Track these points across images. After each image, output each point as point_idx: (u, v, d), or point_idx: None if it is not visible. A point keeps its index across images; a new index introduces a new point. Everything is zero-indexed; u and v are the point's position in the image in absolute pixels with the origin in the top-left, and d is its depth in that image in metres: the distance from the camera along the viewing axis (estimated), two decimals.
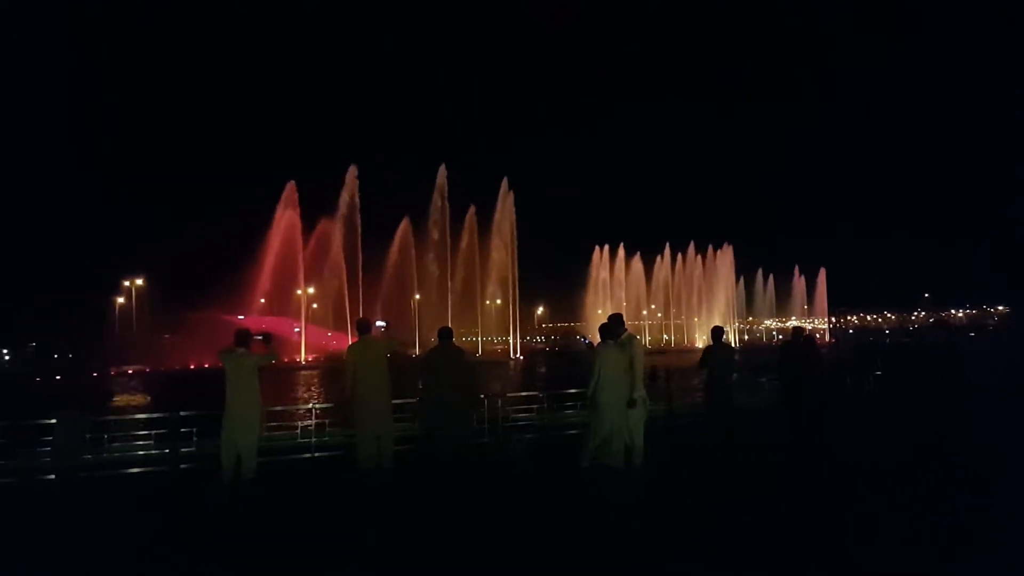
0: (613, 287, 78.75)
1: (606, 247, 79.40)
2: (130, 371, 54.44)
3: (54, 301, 76.90)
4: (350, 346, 8.44)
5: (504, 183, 64.63)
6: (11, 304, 72.10)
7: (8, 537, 6.36)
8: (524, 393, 13.83)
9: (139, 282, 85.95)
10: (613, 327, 8.33)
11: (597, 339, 8.49)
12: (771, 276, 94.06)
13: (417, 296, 64.62)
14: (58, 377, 49.32)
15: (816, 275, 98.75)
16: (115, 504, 7.65)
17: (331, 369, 43.25)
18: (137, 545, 5.91)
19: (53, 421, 9.39)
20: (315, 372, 45.82)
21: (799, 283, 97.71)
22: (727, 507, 6.75)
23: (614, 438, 7.94)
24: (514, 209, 64.64)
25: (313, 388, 33.08)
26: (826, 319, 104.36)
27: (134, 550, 5.79)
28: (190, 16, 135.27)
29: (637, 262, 79.28)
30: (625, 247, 79.50)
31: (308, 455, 9.95)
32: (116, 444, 11.37)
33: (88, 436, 10.17)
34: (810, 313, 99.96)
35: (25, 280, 78.33)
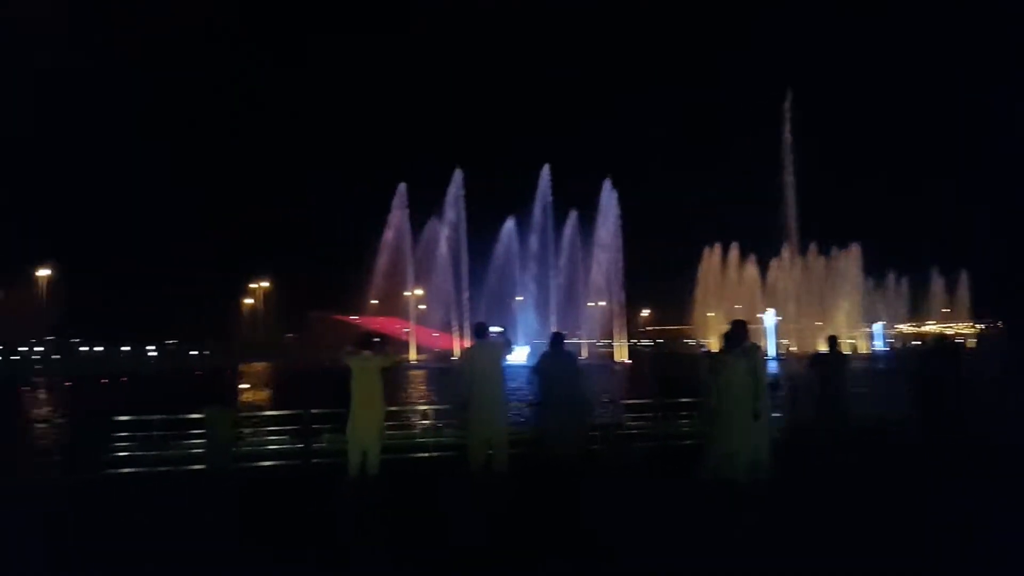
0: (725, 289, 76.20)
1: (716, 247, 77.02)
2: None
3: (190, 302, 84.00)
4: (466, 349, 8.84)
5: (607, 183, 64.23)
6: (154, 306, 79.47)
7: (166, 522, 7.24)
8: (636, 400, 13.78)
9: (265, 284, 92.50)
10: (736, 335, 8.13)
11: (711, 346, 8.46)
12: (904, 278, 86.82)
13: (519, 298, 65.49)
14: (198, 373, 53.89)
15: (957, 276, 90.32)
16: (255, 495, 8.51)
17: (438, 369, 44.62)
18: (273, 534, 6.59)
19: (202, 416, 10.57)
20: (423, 372, 47.40)
21: (937, 285, 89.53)
22: (852, 528, 6.63)
23: (740, 452, 7.68)
24: (618, 209, 64.10)
25: (423, 388, 34.31)
26: (969, 323, 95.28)
27: (270, 539, 6.45)
28: (307, 19, 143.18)
29: (752, 264, 76.18)
30: (740, 247, 76.70)
31: (426, 454, 10.54)
32: (253, 438, 12.50)
33: (235, 430, 11.22)
34: (951, 317, 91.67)
35: (164, 283, 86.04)
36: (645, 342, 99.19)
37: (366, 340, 8.36)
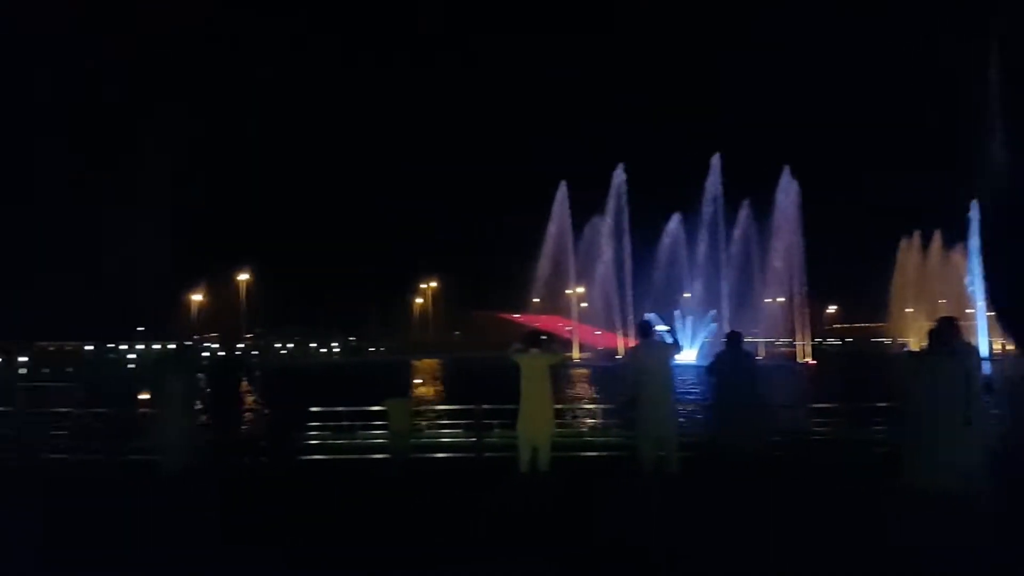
0: (925, 282, 68.89)
1: (916, 235, 69.83)
2: None
3: (367, 302, 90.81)
4: (631, 348, 8.79)
5: (786, 169, 60.42)
6: (335, 305, 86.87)
7: (350, 507, 7.86)
8: (822, 405, 12.89)
9: (434, 284, 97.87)
10: (946, 333, 7.42)
11: (912, 345, 7.73)
12: None
13: (687, 295, 63.56)
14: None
15: None
16: (433, 485, 9.01)
17: (601, 368, 44.55)
18: (446, 523, 6.92)
19: (384, 408, 11.40)
20: (586, 371, 47.53)
21: None
22: None
23: (955, 460, 7.05)
24: (799, 199, 60.08)
25: (588, 386, 34.44)
26: None
27: (442, 528, 6.77)
28: (465, 18, 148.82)
29: (958, 253, 68.02)
30: (942, 236, 68.99)
31: (595, 453, 10.60)
32: (428, 431, 13.28)
33: (413, 421, 11.99)
34: None
35: (342, 283, 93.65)
36: (832, 341, 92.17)
37: (534, 338, 8.54)
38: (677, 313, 57.01)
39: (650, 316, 9.31)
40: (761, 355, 56.31)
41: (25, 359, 50.80)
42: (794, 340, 64.74)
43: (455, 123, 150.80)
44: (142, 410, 14.16)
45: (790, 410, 11.02)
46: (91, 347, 61.33)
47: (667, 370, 8.46)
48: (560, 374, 40.94)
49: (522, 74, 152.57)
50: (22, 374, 37.80)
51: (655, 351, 8.57)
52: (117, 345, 58.17)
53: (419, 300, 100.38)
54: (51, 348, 59.79)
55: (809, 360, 60.23)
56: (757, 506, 7.10)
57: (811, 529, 6.46)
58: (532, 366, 8.10)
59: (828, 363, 54.58)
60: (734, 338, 8.51)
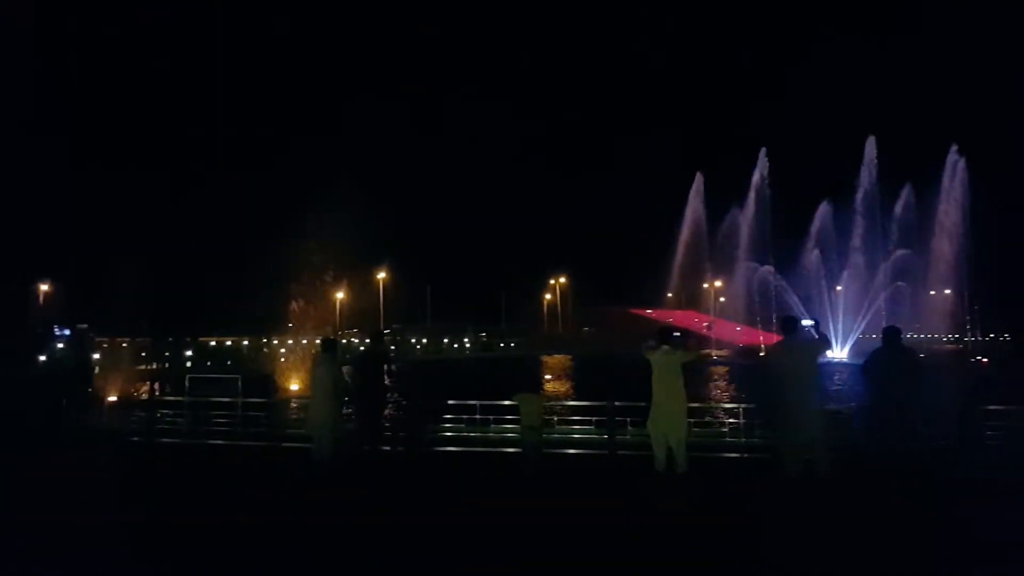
0: None
1: None
2: None
3: (496, 298, 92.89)
4: (774, 346, 8.47)
5: (953, 149, 55.07)
6: (468, 301, 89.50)
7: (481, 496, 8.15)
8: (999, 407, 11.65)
9: (563, 280, 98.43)
10: None
11: None
12: None
13: (839, 287, 59.59)
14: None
15: None
16: (566, 480, 9.14)
17: (742, 366, 42.86)
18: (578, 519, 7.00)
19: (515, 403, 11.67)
20: (725, 368, 45.93)
21: None
22: None
23: None
24: (966, 180, 54.58)
25: (727, 385, 33.36)
26: None
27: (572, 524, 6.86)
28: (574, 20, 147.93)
29: None
30: None
31: (736, 455, 10.30)
32: (560, 426, 13.43)
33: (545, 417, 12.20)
34: None
35: (475, 280, 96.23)
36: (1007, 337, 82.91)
37: (666, 334, 8.42)
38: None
39: (801, 319, 8.91)
40: (925, 352, 51.71)
41: (189, 353, 56.44)
42: (963, 336, 59.01)
43: (590, 116, 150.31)
44: (294, 400, 15.40)
45: (956, 412, 10.09)
46: (246, 341, 67.22)
47: (812, 369, 8.10)
48: (698, 372, 40.05)
49: (645, 66, 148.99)
50: (188, 367, 42.16)
51: (799, 348, 8.22)
52: (271, 339, 63.32)
53: (548, 296, 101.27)
54: (212, 343, 66.35)
55: (981, 358, 54.66)
56: (898, 520, 6.62)
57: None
58: (663, 364, 8.03)
59: (1004, 361, 49.23)
60: (892, 334, 7.98)
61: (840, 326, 54.52)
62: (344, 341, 56.61)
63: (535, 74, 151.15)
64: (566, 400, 22.50)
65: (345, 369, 10.23)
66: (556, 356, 67.89)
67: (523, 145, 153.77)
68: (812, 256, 58.64)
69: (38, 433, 11.99)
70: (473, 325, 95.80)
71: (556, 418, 13.60)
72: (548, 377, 39.06)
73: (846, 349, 50.10)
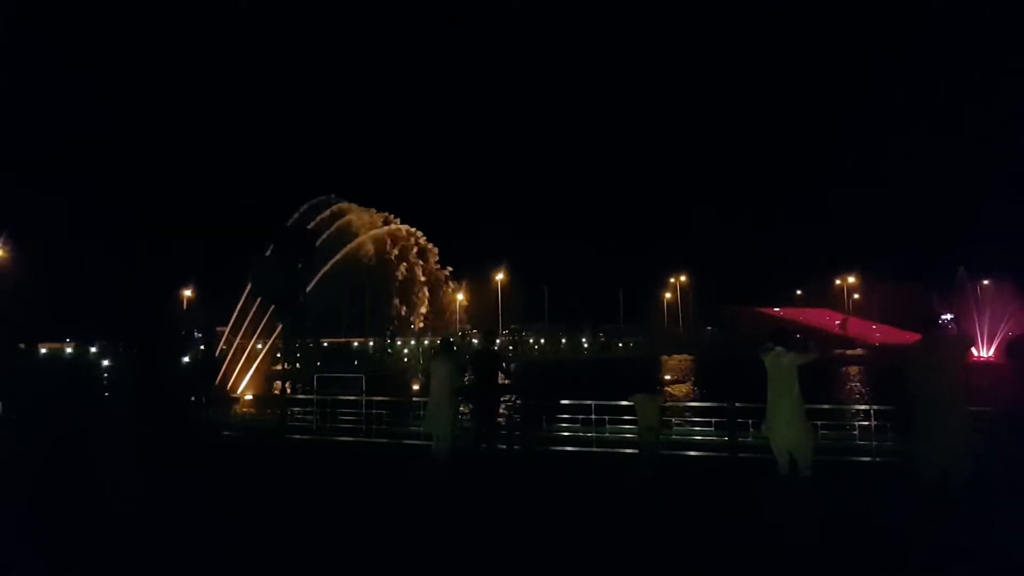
0: None
1: None
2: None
3: (615, 297, 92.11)
4: (916, 343, 7.94)
5: None
6: (587, 301, 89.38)
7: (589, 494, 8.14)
8: None
9: (683, 278, 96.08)
10: None
11: None
12: None
13: (985, 282, 54.54)
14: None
15: None
16: (682, 482, 9.01)
17: (878, 364, 40.19)
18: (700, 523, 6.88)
19: (631, 403, 11.61)
20: (858, 368, 43.24)
21: None
22: None
23: None
24: None
25: (863, 385, 31.50)
26: None
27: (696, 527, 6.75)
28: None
29: None
30: None
31: (867, 459, 9.78)
32: (677, 427, 13.21)
33: (663, 418, 12.06)
34: None
35: (594, 280, 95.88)
36: None
37: (780, 335, 8.19)
38: None
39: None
40: None
41: (319, 353, 60.17)
42: None
43: (708, 117, 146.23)
44: (415, 399, 16.04)
45: None
46: (372, 342, 70.49)
47: (953, 369, 7.50)
48: (832, 373, 37.98)
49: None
50: (318, 366, 44.91)
51: (938, 347, 7.66)
52: (395, 339, 66.02)
53: (668, 295, 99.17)
54: (340, 343, 70.32)
55: None
56: None
57: None
58: (777, 366, 7.83)
59: None
60: None
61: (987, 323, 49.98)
62: (464, 341, 58.17)
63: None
64: (686, 401, 22.04)
65: (464, 368, 10.57)
66: (676, 356, 66.44)
67: (649, 142, 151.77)
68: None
69: (168, 430, 13.05)
70: (591, 325, 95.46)
71: (675, 419, 13.37)
72: (668, 378, 38.40)
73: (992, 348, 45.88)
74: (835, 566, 5.82)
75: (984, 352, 47.89)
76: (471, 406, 10.66)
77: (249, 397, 20.07)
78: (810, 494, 7.53)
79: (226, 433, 14.41)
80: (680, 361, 61.34)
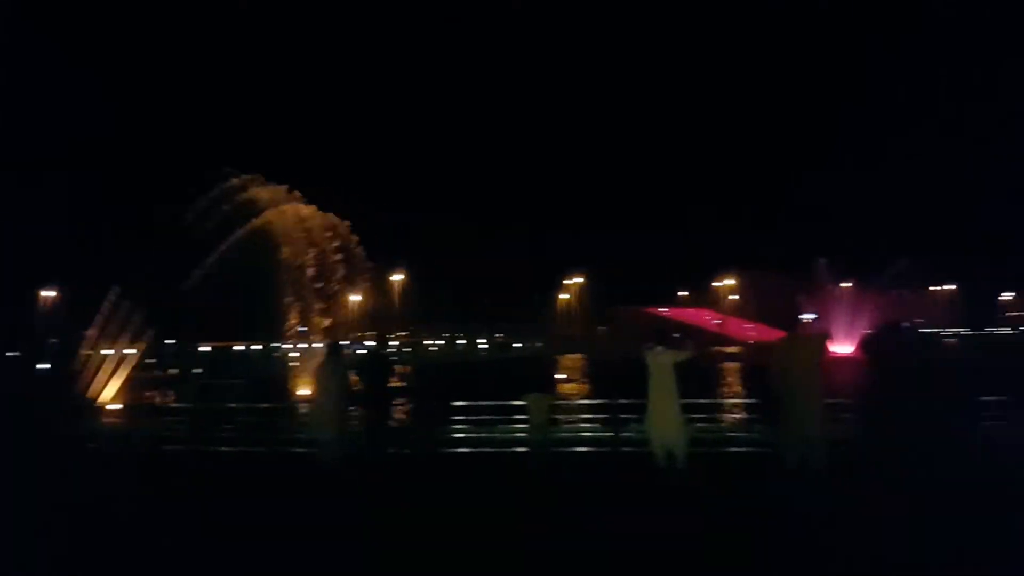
0: None
1: None
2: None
3: (513, 299, 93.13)
4: (780, 341, 8.56)
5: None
6: (483, 303, 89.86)
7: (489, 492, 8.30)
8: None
9: (580, 280, 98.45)
10: None
11: None
12: None
13: (844, 284, 59.23)
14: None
15: None
16: (563, 476, 9.29)
17: (752, 361, 42.79)
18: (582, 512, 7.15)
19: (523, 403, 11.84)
20: (737, 364, 45.83)
21: None
22: None
23: None
24: None
25: (738, 381, 33.38)
26: None
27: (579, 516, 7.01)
28: None
29: None
30: None
31: (739, 449, 10.43)
32: (567, 424, 13.58)
33: (552, 416, 12.35)
34: None
35: (491, 283, 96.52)
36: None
37: (661, 335, 8.66)
38: None
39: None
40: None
41: (198, 358, 57.19)
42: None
43: (609, 120, 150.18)
44: (301, 405, 15.62)
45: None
46: (259, 347, 67.78)
47: (811, 364, 8.16)
48: (709, 370, 40.01)
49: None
50: (197, 373, 42.54)
51: (798, 344, 8.32)
52: (281, 344, 63.78)
53: (564, 296, 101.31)
54: (222, 348, 67.16)
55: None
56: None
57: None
58: (657, 364, 8.26)
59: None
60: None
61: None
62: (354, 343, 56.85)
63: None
64: (577, 400, 22.61)
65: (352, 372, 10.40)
66: (571, 356, 67.90)
67: (549, 143, 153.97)
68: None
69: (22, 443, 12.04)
70: (489, 326, 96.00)
71: (565, 417, 13.72)
72: (561, 377, 39.17)
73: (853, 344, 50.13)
74: (705, 544, 6.23)
75: (844, 348, 51.91)
76: (358, 410, 10.52)
77: (118, 406, 18.81)
78: (683, 483, 7.97)
79: (91, 446, 13.43)
80: (574, 361, 62.76)
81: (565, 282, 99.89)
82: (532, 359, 62.67)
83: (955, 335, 61.79)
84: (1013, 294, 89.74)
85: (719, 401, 14.32)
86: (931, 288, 61.86)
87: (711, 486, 8.17)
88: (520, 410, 12.19)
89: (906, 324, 8.92)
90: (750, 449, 10.39)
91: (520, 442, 11.73)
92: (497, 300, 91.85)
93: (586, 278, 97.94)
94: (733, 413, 12.26)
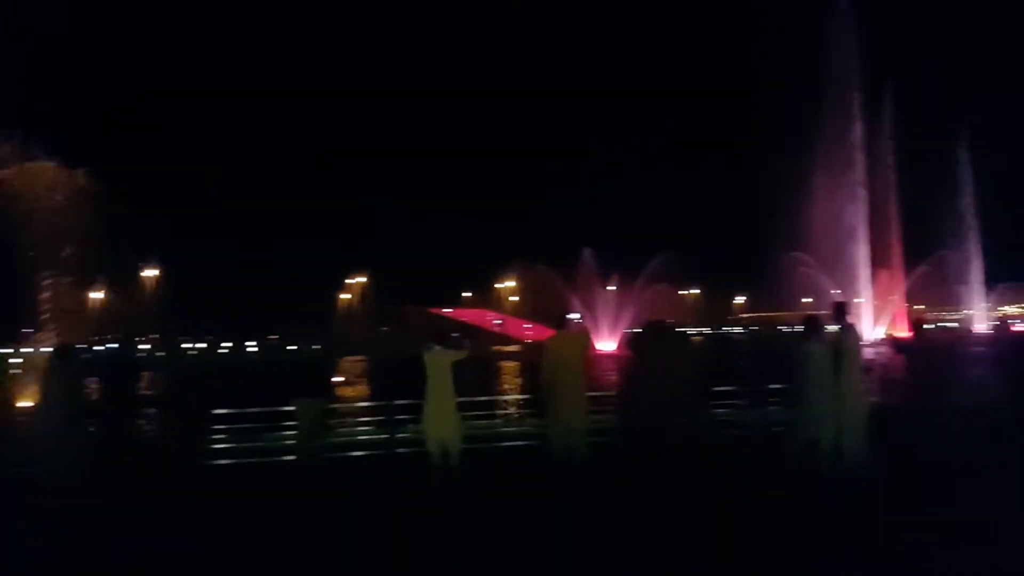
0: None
1: None
2: None
3: (288, 297, 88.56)
4: (548, 339, 8.98)
5: None
6: (255, 303, 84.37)
7: (250, 510, 7.74)
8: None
9: (362, 279, 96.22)
10: (815, 322, 8.53)
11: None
12: None
13: (612, 288, 64.70)
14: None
15: None
16: (341, 483, 8.91)
17: (530, 360, 44.99)
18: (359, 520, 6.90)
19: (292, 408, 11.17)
20: (516, 363, 47.89)
21: None
22: None
23: (825, 436, 7.85)
24: None
25: (515, 378, 34.81)
26: None
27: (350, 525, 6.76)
28: None
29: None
30: None
31: (510, 444, 10.76)
32: (344, 429, 13.08)
33: (325, 421, 11.81)
34: None
35: (264, 281, 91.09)
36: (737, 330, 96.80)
37: (440, 335, 8.74)
38: None
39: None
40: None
41: None
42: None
43: (388, 112, 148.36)
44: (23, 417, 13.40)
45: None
46: None
47: (578, 361, 8.66)
48: (489, 368, 41.31)
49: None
50: None
51: (567, 342, 8.79)
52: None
53: (346, 296, 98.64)
54: None
55: None
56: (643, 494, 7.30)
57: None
58: (434, 363, 8.27)
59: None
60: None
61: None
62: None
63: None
64: (354, 402, 22.03)
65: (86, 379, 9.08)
66: (352, 358, 66.29)
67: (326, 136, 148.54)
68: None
69: None
70: (262, 328, 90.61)
71: (337, 422, 13.22)
72: (339, 379, 38.05)
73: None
74: (477, 536, 6.26)
75: (609, 345, 56.69)
76: (96, 420, 9.20)
77: None
78: (458, 479, 8.01)
79: None
80: (356, 362, 61.39)
81: (348, 281, 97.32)
82: (308, 362, 60.17)
83: (699, 333, 70.10)
84: (745, 297, 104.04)
85: (495, 398, 14.70)
86: (680, 292, 69.59)
87: (481, 480, 8.28)
88: (290, 416, 11.53)
89: (671, 322, 9.89)
90: (523, 443, 10.73)
91: (289, 450, 11.07)
92: (273, 300, 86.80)
93: (369, 278, 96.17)
94: (507, 409, 12.64)
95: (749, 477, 8.16)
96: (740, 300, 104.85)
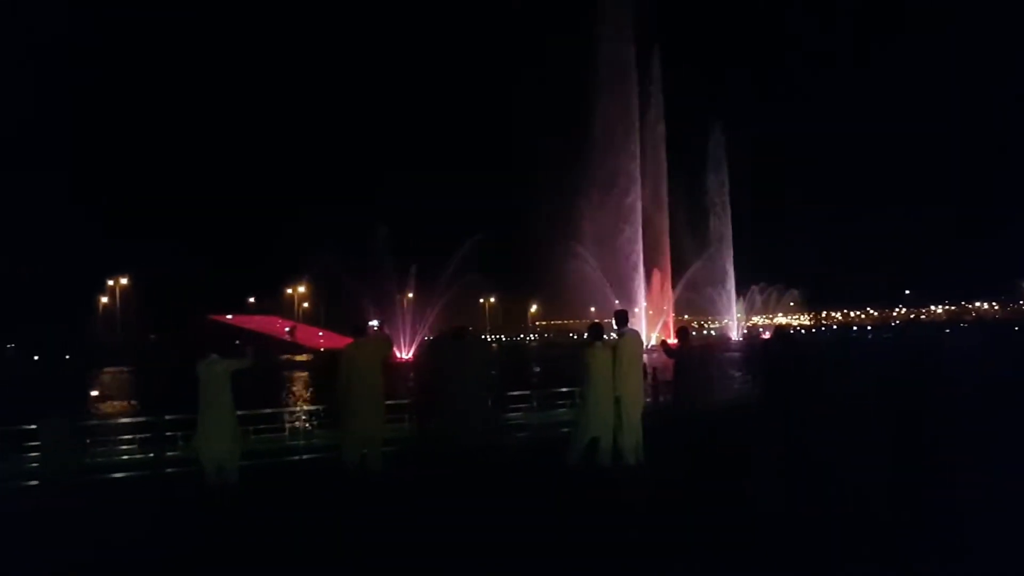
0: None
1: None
2: None
3: (32, 301, 76.98)
4: (346, 346, 8.69)
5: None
6: None
7: None
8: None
9: (124, 281, 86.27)
10: (598, 328, 9.05)
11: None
12: None
13: (409, 294, 64.75)
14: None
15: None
16: (97, 509, 7.88)
17: (323, 369, 43.55)
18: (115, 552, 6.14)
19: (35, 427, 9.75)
20: (307, 373, 46.13)
21: None
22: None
23: (601, 438, 8.42)
24: None
25: (305, 388, 33.44)
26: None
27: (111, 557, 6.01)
28: None
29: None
30: None
31: (296, 457, 10.25)
32: (101, 448, 11.64)
33: (76, 441, 10.44)
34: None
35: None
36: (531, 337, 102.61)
37: (219, 343, 8.16)
38: None
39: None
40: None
41: None
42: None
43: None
44: None
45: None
46: None
47: (375, 369, 8.47)
48: (277, 378, 39.22)
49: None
50: None
51: (363, 350, 8.56)
52: None
53: (105, 300, 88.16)
54: None
55: None
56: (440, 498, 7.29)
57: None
58: (210, 373, 7.68)
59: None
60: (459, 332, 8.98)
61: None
62: None
63: None
64: (118, 418, 19.73)
65: None
66: (114, 368, 59.51)
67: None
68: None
69: None
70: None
71: (92, 441, 11.72)
72: (95, 393, 34.01)
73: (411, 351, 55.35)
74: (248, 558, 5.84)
75: (404, 354, 56.58)
76: None
77: None
78: (233, 499, 7.47)
79: None
80: (118, 373, 55.17)
81: (108, 283, 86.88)
82: (55, 376, 52.90)
83: (497, 340, 72.53)
84: (536, 304, 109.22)
85: (282, 410, 13.90)
86: (480, 300, 71.31)
87: (259, 499, 7.76)
88: (34, 436, 10.07)
89: (470, 328, 10.09)
90: (312, 456, 10.27)
91: (32, 474, 9.63)
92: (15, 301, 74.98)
93: (134, 280, 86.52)
94: (295, 422, 12.04)
95: (537, 477, 8.43)
96: (534, 308, 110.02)
